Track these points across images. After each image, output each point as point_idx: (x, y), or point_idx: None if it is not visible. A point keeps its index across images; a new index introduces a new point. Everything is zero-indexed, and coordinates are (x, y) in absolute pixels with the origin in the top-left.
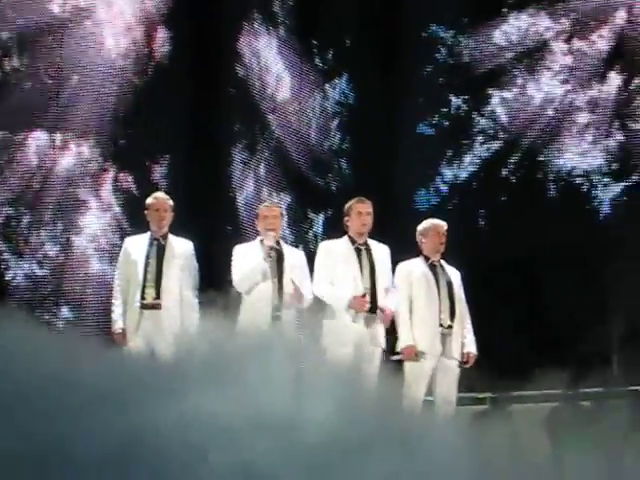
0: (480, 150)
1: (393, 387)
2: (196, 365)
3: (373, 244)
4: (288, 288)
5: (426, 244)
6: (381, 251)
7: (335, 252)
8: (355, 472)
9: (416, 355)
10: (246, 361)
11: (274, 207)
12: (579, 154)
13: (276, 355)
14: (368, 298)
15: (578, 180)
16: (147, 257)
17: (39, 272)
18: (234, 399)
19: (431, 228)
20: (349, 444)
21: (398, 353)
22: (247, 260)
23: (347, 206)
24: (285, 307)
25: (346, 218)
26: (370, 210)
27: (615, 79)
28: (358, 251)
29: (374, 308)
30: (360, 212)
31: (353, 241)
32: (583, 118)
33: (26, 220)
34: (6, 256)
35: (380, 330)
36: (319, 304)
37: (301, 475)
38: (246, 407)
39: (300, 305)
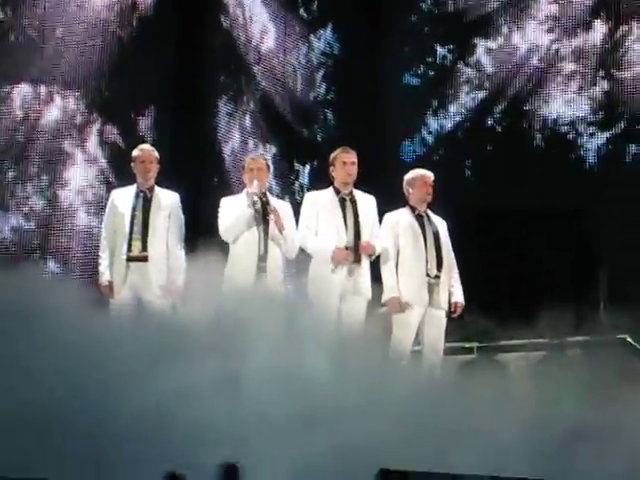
0: (466, 100)
1: (379, 337)
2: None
3: (358, 194)
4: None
5: (413, 194)
6: (367, 202)
7: (319, 202)
8: (345, 420)
9: (401, 306)
10: (232, 317)
11: (259, 159)
12: (564, 103)
13: (262, 308)
14: (351, 251)
15: (563, 129)
16: (133, 209)
17: (26, 225)
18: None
19: (418, 178)
20: (338, 394)
21: (384, 305)
22: (233, 210)
23: (332, 156)
24: (270, 254)
25: (331, 168)
26: (355, 160)
27: (600, 27)
28: (342, 201)
29: (358, 259)
30: (344, 162)
31: (338, 191)
32: (568, 67)
33: (11, 174)
34: None
35: (365, 280)
36: (304, 254)
37: (298, 422)
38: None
39: (283, 236)
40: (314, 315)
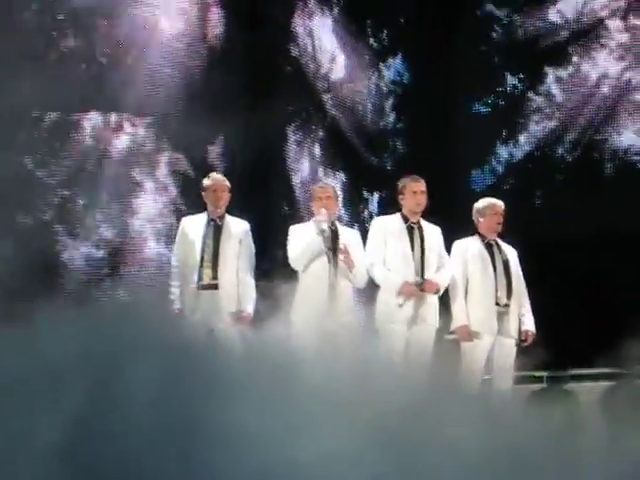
0: (536, 129)
1: (449, 366)
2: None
3: (425, 224)
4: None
5: (483, 223)
6: (433, 232)
7: (387, 228)
8: (416, 447)
9: (469, 335)
10: (300, 346)
11: (328, 187)
12: (635, 132)
13: (331, 337)
14: (417, 285)
15: (635, 158)
16: (204, 237)
17: (96, 254)
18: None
19: (489, 207)
20: (408, 421)
21: (453, 332)
22: (302, 238)
23: (401, 184)
24: (339, 283)
25: (400, 196)
26: (424, 189)
27: None
28: (410, 229)
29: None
30: (415, 191)
31: (406, 219)
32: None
33: (82, 202)
34: (62, 237)
35: (432, 309)
36: (373, 282)
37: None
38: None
39: (351, 271)
40: (382, 343)
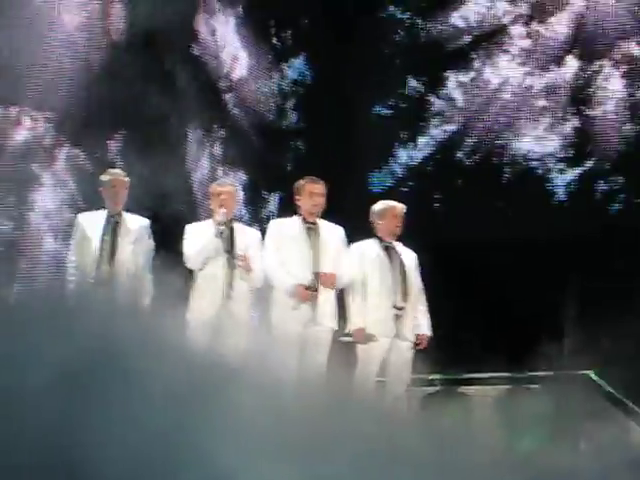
0: (436, 132)
1: (344, 368)
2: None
3: (324, 225)
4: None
5: (382, 225)
6: (333, 232)
7: (286, 231)
8: (312, 451)
9: (365, 337)
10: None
11: (226, 185)
12: (535, 138)
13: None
14: (312, 286)
15: (533, 164)
16: (103, 234)
17: None
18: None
19: (388, 210)
20: (302, 425)
21: (349, 335)
22: (199, 237)
23: (298, 185)
24: (236, 283)
25: (297, 197)
26: (323, 191)
27: (572, 64)
28: (309, 230)
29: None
30: (312, 192)
31: (304, 220)
32: (540, 102)
33: None
34: None
35: (328, 311)
36: (269, 282)
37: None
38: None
39: (249, 275)
40: (277, 343)
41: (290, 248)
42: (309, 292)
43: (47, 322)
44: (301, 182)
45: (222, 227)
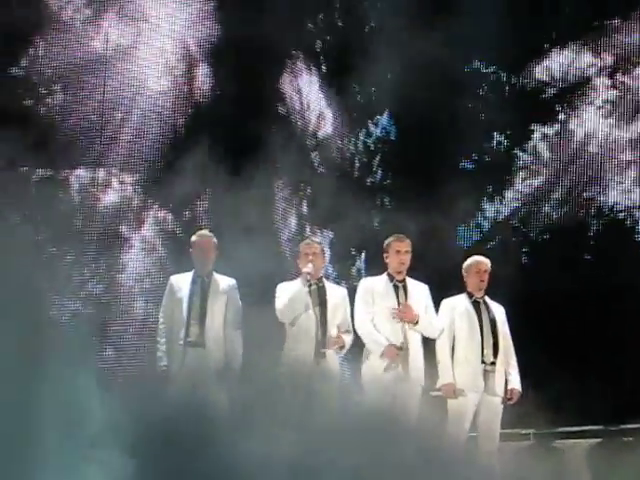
0: (522, 186)
1: (435, 423)
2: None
3: (411, 282)
4: (332, 326)
5: (468, 281)
6: (419, 289)
7: (374, 289)
8: None
9: (455, 392)
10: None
11: (314, 244)
12: (622, 191)
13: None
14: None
15: (620, 216)
16: (191, 295)
17: (84, 311)
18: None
19: (473, 265)
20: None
21: (439, 390)
22: (288, 292)
23: (386, 243)
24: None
25: (385, 255)
26: (408, 248)
27: None
28: (396, 288)
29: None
30: (398, 250)
31: (392, 278)
32: (626, 154)
33: (69, 258)
34: (50, 294)
35: (417, 368)
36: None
37: None
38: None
39: (340, 352)
40: (369, 402)
41: (379, 306)
42: (399, 351)
43: (137, 385)
44: (388, 240)
45: (309, 277)
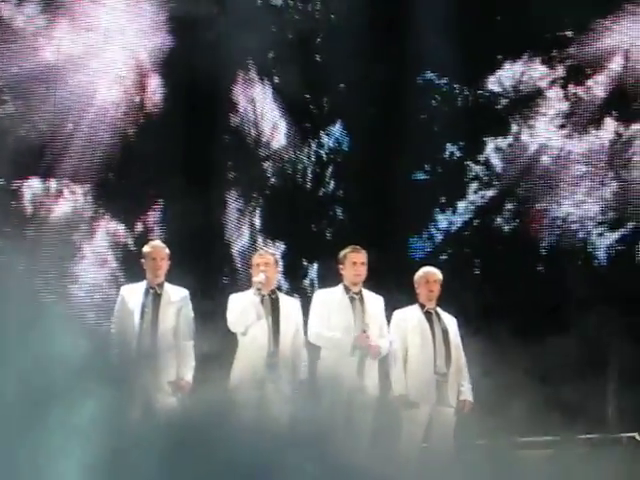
0: (474, 197)
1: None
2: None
3: (367, 294)
4: (285, 337)
5: (420, 292)
6: (375, 301)
7: (330, 301)
8: None
9: (408, 405)
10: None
11: (267, 255)
12: (574, 203)
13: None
14: (369, 334)
15: (573, 227)
16: (143, 306)
17: None
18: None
19: (422, 276)
20: None
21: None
22: (240, 303)
23: (341, 255)
24: (281, 350)
25: (340, 267)
26: (364, 260)
27: (610, 126)
28: (352, 300)
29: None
30: (354, 262)
31: (347, 290)
32: (578, 166)
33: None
34: None
35: (373, 378)
36: (314, 351)
37: None
38: None
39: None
40: (324, 407)
41: (334, 317)
42: (367, 335)
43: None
44: (344, 251)
45: (260, 286)
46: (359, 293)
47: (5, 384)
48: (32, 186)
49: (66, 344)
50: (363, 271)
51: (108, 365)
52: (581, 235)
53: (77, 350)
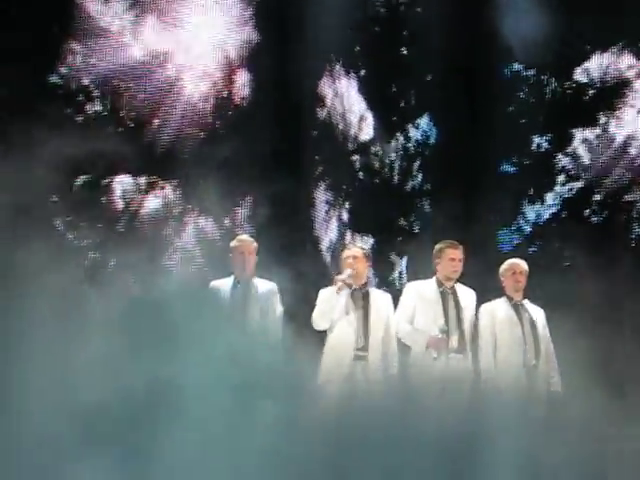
0: (562, 189)
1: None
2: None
3: (460, 288)
4: (375, 332)
5: (506, 284)
6: (468, 296)
7: (421, 293)
8: None
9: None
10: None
11: (356, 248)
12: None
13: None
14: (448, 338)
15: None
16: (232, 300)
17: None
18: None
19: (508, 269)
20: None
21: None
22: (326, 299)
23: (438, 248)
24: (371, 343)
25: (437, 261)
26: (462, 256)
27: None
28: (444, 295)
29: (462, 349)
30: (453, 258)
31: (440, 284)
32: None
33: (112, 264)
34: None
35: (467, 371)
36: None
37: None
38: None
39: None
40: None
41: (424, 310)
42: (444, 340)
43: None
44: (441, 246)
45: (340, 284)
46: (452, 288)
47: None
48: (122, 182)
49: None
50: (460, 267)
51: None
52: None
53: None
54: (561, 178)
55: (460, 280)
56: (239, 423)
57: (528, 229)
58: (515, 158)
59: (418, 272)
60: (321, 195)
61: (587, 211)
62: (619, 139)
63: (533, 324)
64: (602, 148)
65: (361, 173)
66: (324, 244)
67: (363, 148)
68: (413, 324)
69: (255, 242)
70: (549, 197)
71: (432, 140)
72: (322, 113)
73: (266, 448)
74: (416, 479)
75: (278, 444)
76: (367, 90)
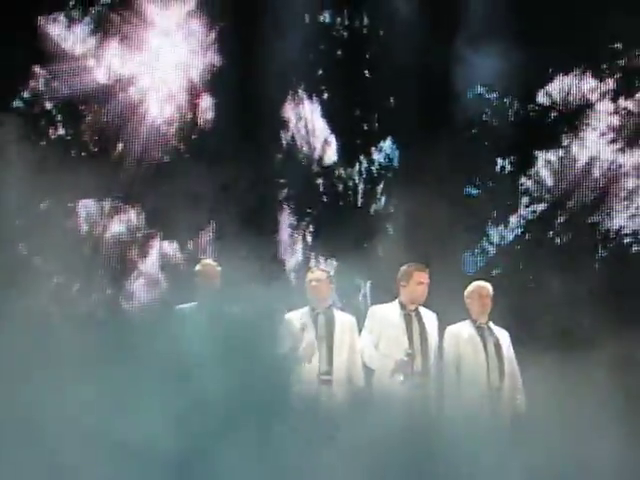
0: (525, 211)
1: None
2: None
3: (423, 311)
4: (338, 354)
5: (471, 307)
6: (430, 318)
7: (384, 317)
8: None
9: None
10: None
11: (318, 272)
12: (628, 217)
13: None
14: (412, 361)
15: (626, 240)
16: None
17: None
18: None
19: (474, 291)
20: None
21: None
22: (294, 323)
23: (404, 271)
24: (335, 367)
25: (402, 283)
26: (428, 280)
27: None
28: (407, 318)
29: (426, 372)
30: (421, 282)
31: (403, 307)
32: (631, 178)
33: (76, 288)
34: (57, 322)
35: (431, 394)
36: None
37: None
38: None
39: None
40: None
41: (387, 334)
42: (409, 362)
43: None
44: (408, 269)
45: (316, 311)
46: (416, 310)
47: None
48: (86, 206)
49: None
50: (426, 290)
51: None
52: (635, 249)
53: None
54: (525, 200)
55: (424, 303)
56: None
57: (492, 251)
58: (479, 180)
59: (382, 295)
60: (285, 218)
61: (551, 233)
62: (582, 160)
63: (498, 346)
64: (565, 170)
65: (325, 196)
66: (288, 267)
67: (327, 171)
68: (378, 348)
69: (219, 266)
70: (513, 219)
71: (395, 163)
72: (286, 137)
73: None
74: None
75: None
76: (330, 114)
